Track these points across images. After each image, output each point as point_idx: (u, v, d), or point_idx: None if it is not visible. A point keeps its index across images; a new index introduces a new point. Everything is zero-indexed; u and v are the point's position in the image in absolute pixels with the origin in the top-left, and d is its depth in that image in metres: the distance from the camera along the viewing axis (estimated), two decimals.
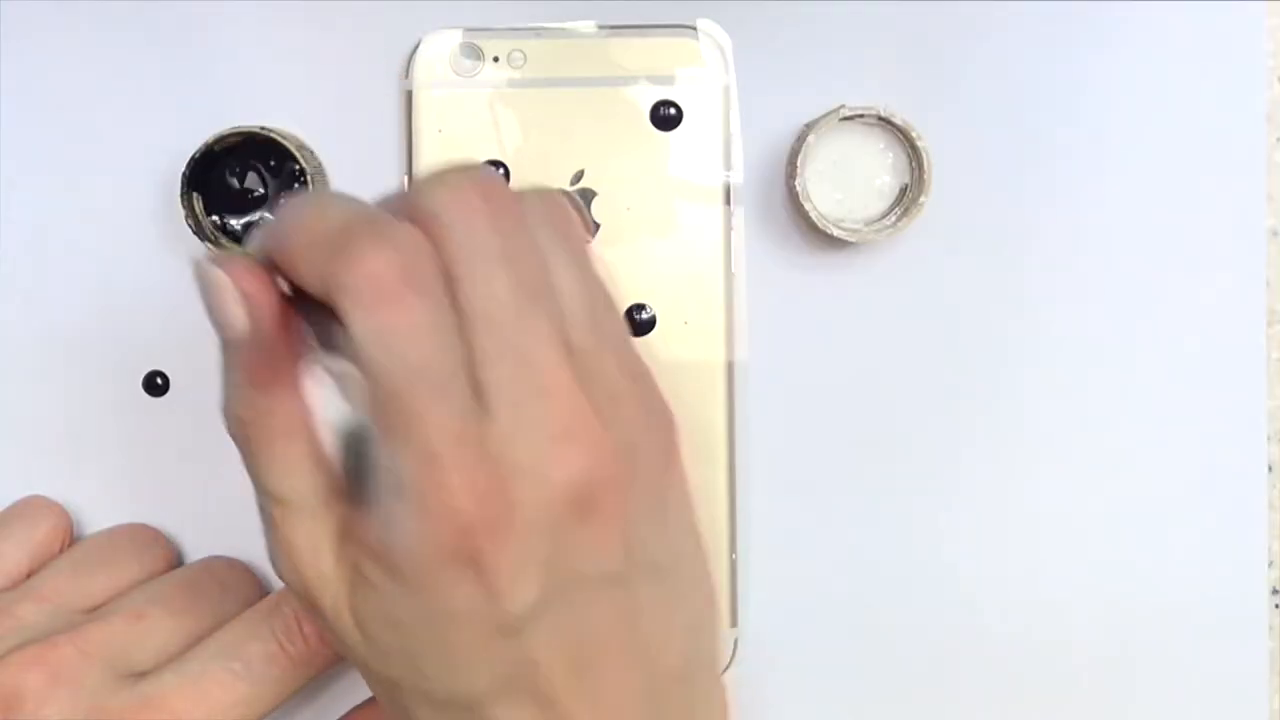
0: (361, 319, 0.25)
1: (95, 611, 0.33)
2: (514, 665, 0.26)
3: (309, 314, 0.27)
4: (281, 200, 0.36)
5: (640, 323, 0.37)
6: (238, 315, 0.27)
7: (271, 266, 0.27)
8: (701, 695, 0.30)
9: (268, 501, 0.28)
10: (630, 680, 0.28)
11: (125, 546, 0.36)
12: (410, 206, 0.26)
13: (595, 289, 0.28)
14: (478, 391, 0.25)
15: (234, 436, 0.28)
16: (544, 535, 0.26)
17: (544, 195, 0.29)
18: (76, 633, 0.31)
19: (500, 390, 0.25)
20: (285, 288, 0.27)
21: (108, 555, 0.35)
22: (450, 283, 0.26)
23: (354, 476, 0.26)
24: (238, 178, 0.36)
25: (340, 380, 0.27)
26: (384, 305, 0.25)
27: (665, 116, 0.37)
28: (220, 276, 0.27)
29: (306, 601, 0.28)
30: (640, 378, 0.28)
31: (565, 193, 0.30)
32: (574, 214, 0.29)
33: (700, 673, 0.30)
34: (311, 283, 0.26)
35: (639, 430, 0.27)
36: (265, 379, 0.27)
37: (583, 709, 0.27)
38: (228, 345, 0.27)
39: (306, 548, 0.27)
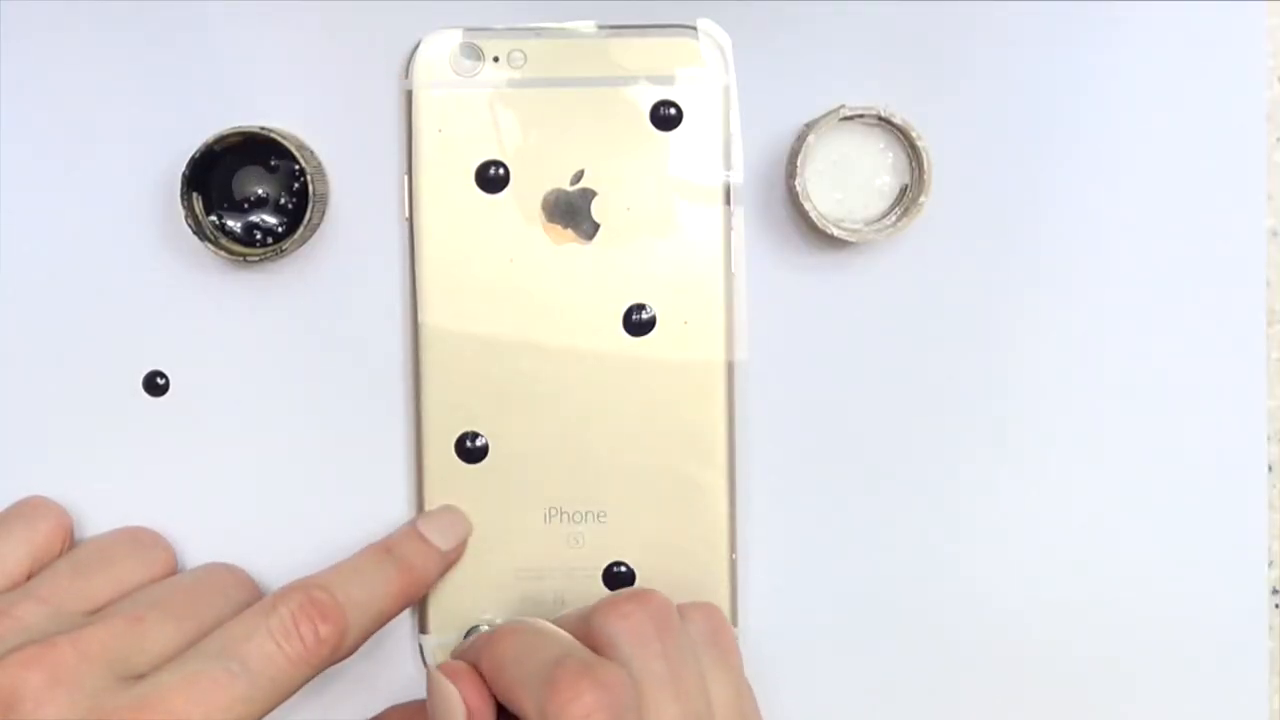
0: None
1: (95, 613, 0.33)
2: None
3: None
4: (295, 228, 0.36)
5: (640, 323, 0.37)
6: (460, 718, 0.31)
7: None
8: None
9: None
10: None
11: (125, 549, 0.36)
12: (590, 631, 0.31)
13: (747, 703, 0.33)
14: None
15: None
16: None
17: (707, 612, 0.34)
18: (76, 634, 0.31)
19: None
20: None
21: (108, 557, 0.35)
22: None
23: None
24: (238, 178, 0.36)
25: None
26: None
27: (665, 116, 0.37)
28: (449, 688, 0.31)
29: None
30: None
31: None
32: (730, 630, 0.34)
33: None
34: (529, 713, 0.29)
35: None
36: None
37: None
38: None
39: None
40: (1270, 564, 0.38)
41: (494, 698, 0.31)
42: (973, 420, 0.37)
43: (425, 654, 0.37)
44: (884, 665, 0.38)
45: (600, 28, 0.37)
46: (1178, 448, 0.37)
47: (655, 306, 0.37)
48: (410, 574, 0.35)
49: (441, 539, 0.36)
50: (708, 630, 0.33)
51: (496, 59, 0.37)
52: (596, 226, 0.37)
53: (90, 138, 0.37)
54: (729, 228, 0.37)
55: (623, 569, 0.37)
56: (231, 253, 0.36)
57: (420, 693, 0.37)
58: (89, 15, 0.37)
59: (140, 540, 0.36)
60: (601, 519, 0.37)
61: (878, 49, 0.37)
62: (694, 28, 0.37)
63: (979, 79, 0.37)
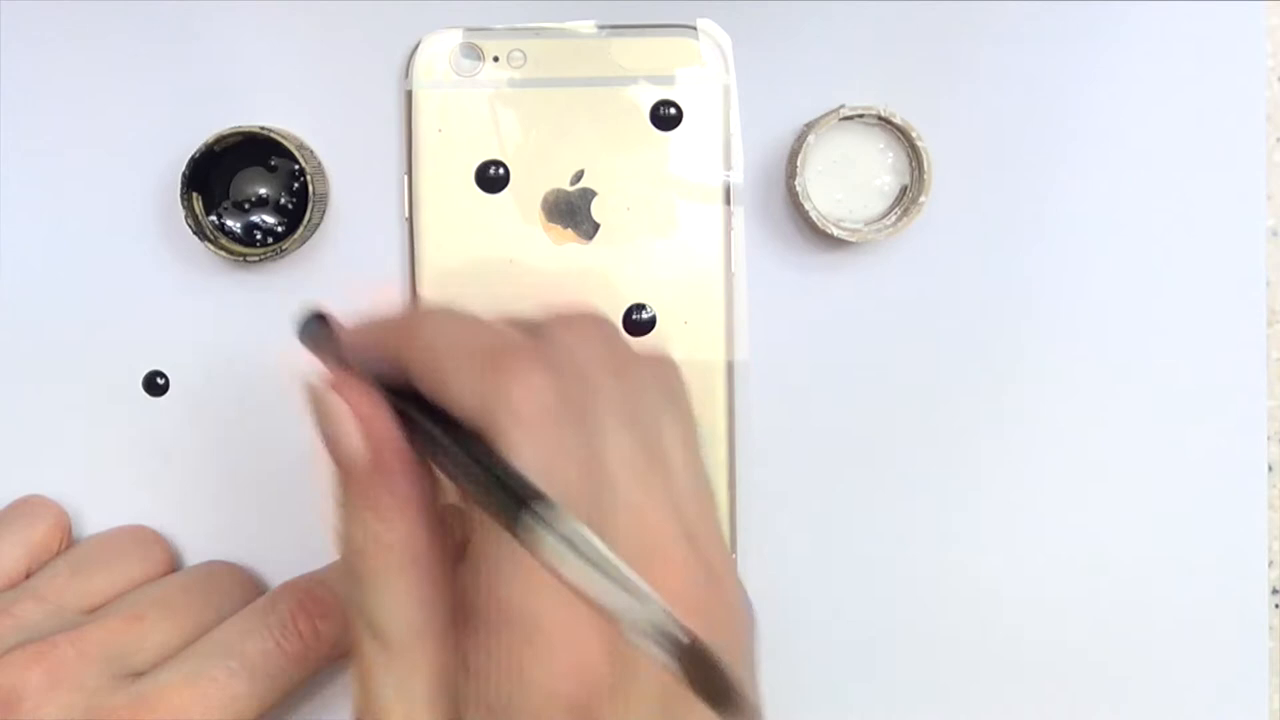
0: (521, 438, 0.24)
1: (94, 612, 0.33)
2: None
3: (421, 431, 0.26)
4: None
5: (640, 323, 0.37)
6: (354, 441, 0.26)
7: (375, 371, 0.26)
8: None
9: (367, 635, 0.26)
10: None
11: (124, 547, 0.36)
12: (535, 336, 0.26)
13: (698, 457, 0.28)
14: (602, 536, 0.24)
15: (346, 564, 0.27)
16: (656, 703, 0.25)
17: (659, 354, 0.29)
18: (75, 633, 0.31)
19: (620, 546, 0.24)
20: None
21: (107, 556, 0.35)
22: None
23: (688, 664, 0.23)
24: (238, 178, 0.36)
25: (569, 532, 0.23)
26: (548, 429, 0.24)
27: (665, 116, 0.37)
28: (337, 403, 0.26)
29: None
30: (729, 561, 0.28)
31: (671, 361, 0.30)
32: (682, 379, 0.29)
33: None
34: (465, 401, 0.25)
35: (735, 602, 0.27)
36: (379, 506, 0.26)
37: None
38: (340, 469, 0.27)
39: (398, 691, 0.26)
40: (1270, 564, 0.38)
41: (395, 406, 0.26)
42: (973, 420, 0.37)
43: None
44: (884, 665, 0.38)
45: (600, 28, 0.37)
46: (1178, 448, 0.37)
47: (655, 306, 0.37)
48: None
49: None
50: (660, 372, 0.28)
51: (496, 59, 0.37)
52: (596, 226, 0.37)
53: (90, 138, 0.37)
54: (729, 228, 0.37)
55: None
56: (231, 253, 0.36)
57: None
58: (89, 15, 0.37)
59: (139, 539, 0.36)
60: None
61: (878, 49, 0.37)
62: (694, 28, 0.37)
63: (979, 79, 0.37)
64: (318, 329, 0.30)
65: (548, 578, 0.23)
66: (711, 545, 0.27)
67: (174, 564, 0.37)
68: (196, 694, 0.30)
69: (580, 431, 0.25)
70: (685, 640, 0.22)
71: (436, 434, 0.25)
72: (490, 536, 0.24)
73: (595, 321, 0.27)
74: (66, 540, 0.36)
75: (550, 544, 0.22)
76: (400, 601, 0.26)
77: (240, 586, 0.36)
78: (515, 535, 0.23)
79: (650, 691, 0.24)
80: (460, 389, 0.25)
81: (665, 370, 0.29)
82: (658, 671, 0.23)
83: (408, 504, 0.26)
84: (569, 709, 0.24)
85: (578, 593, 0.22)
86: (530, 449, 0.24)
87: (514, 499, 0.23)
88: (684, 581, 0.25)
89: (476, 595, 0.25)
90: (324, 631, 0.32)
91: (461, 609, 0.26)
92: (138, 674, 0.31)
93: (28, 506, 0.36)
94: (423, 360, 0.26)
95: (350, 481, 0.26)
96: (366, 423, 0.26)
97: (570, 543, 0.22)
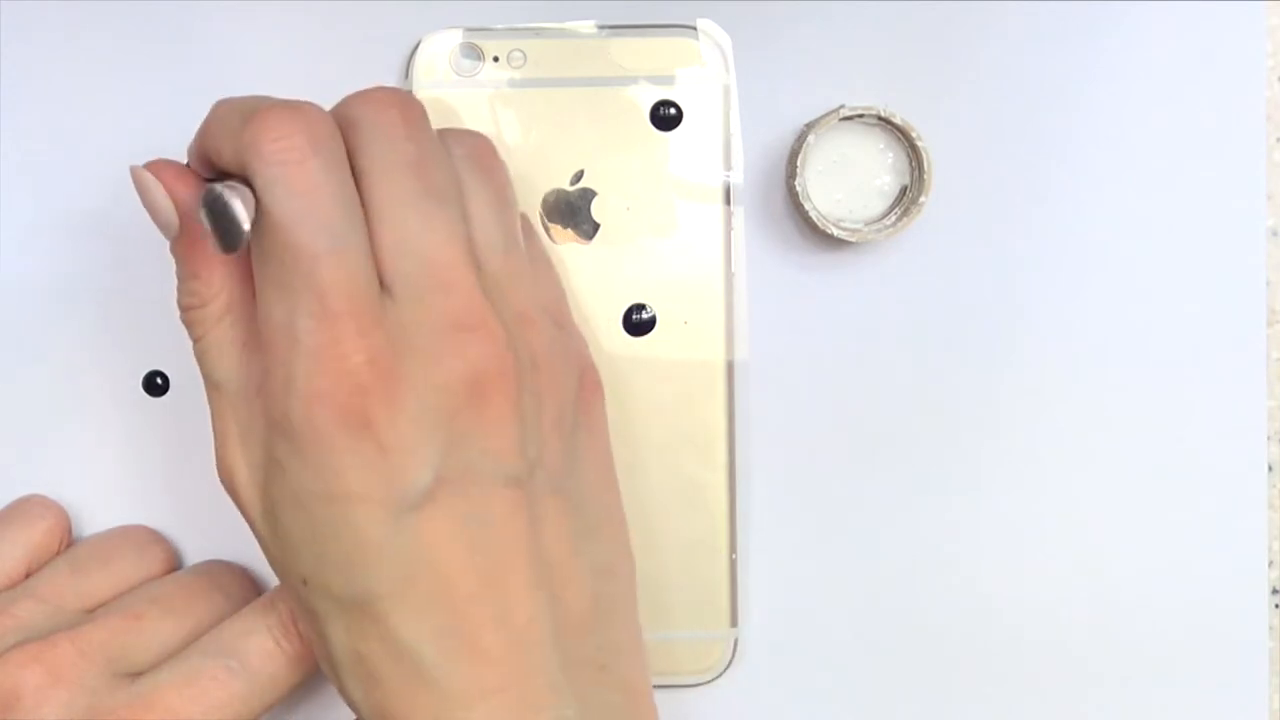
0: (267, 172, 0.26)
1: (94, 611, 0.33)
2: (412, 559, 0.27)
3: None
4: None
5: (640, 323, 0.37)
6: (167, 210, 0.29)
7: (202, 165, 0.30)
8: (615, 656, 0.30)
9: (209, 389, 0.30)
10: (536, 601, 0.28)
11: (124, 547, 0.36)
12: (332, 113, 0.29)
13: (509, 226, 0.30)
14: (382, 280, 0.27)
15: (187, 325, 0.30)
16: (436, 416, 0.26)
17: (474, 136, 0.31)
18: (75, 632, 0.31)
19: (402, 281, 0.27)
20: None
21: (106, 555, 0.35)
22: (359, 176, 0.27)
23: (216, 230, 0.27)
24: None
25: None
26: (291, 163, 0.26)
27: (665, 116, 0.37)
28: (148, 177, 0.29)
29: (232, 495, 0.30)
30: (564, 326, 0.30)
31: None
32: (502, 163, 0.31)
33: (614, 630, 0.30)
34: (226, 154, 0.28)
35: (543, 350, 0.29)
36: (197, 266, 0.30)
37: (488, 625, 0.27)
38: (170, 243, 0.30)
39: (235, 434, 0.29)
40: (1270, 564, 0.38)
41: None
42: (973, 420, 0.37)
43: None
44: (884, 665, 0.38)
45: (600, 28, 0.37)
46: (1178, 447, 0.37)
47: (655, 306, 0.37)
48: None
49: None
50: (472, 146, 0.31)
51: (496, 59, 0.37)
52: (596, 226, 0.37)
53: (90, 137, 0.37)
54: (729, 228, 0.37)
55: None
56: None
57: None
58: (88, 14, 0.37)
59: (138, 538, 0.36)
60: None
61: (878, 49, 0.37)
62: (694, 28, 0.37)
63: (979, 79, 0.37)
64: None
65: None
66: (531, 298, 0.29)
67: (173, 563, 0.37)
68: (196, 693, 0.30)
69: (338, 167, 0.27)
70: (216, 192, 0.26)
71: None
72: (262, 269, 0.28)
73: (399, 95, 0.29)
74: (66, 540, 0.36)
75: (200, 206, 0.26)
76: (224, 351, 0.30)
77: (240, 586, 0.36)
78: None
79: (427, 401, 0.26)
80: (223, 145, 0.28)
81: (477, 146, 0.31)
82: (431, 373, 0.26)
83: (217, 261, 0.29)
84: (339, 413, 0.26)
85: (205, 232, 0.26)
86: (276, 182, 0.27)
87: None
88: (468, 310, 0.27)
89: (259, 319, 0.28)
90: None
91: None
92: (137, 673, 0.31)
93: (28, 506, 0.36)
94: (203, 133, 0.29)
95: (174, 249, 0.30)
96: (173, 192, 0.29)
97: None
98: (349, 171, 0.28)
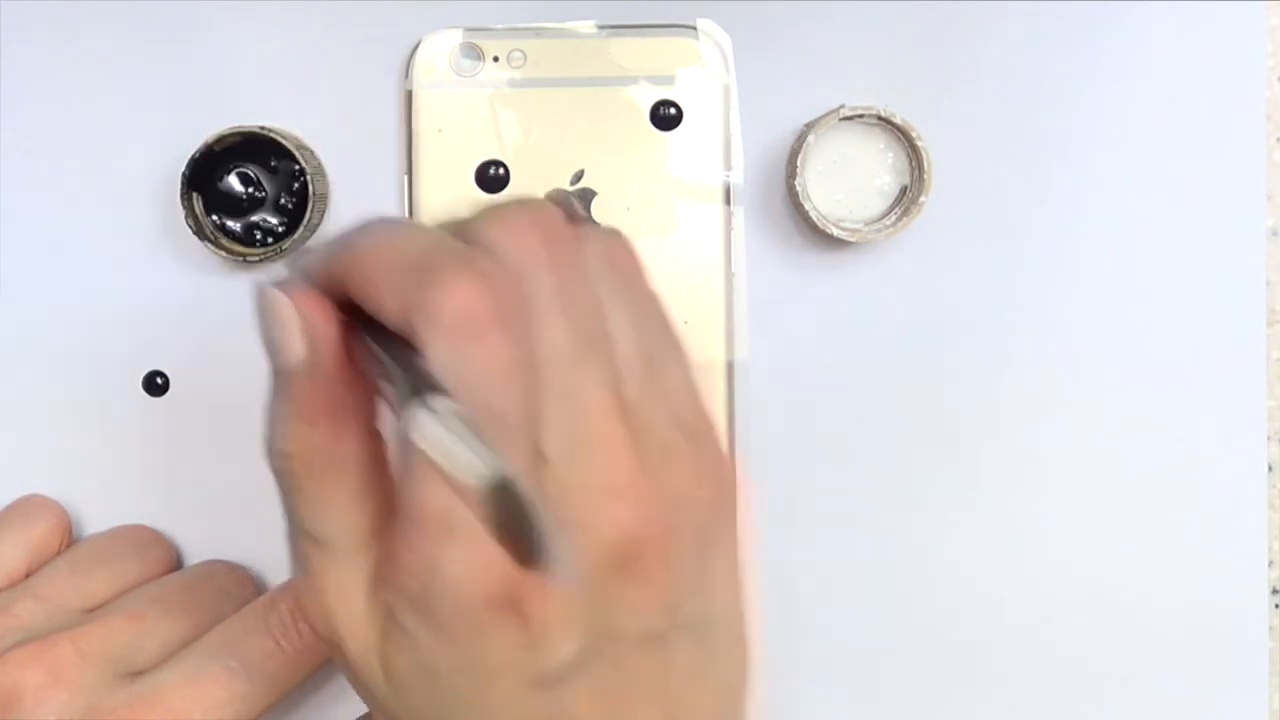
0: (447, 350, 0.24)
1: (94, 611, 0.33)
2: None
3: (363, 345, 0.26)
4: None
5: None
6: (297, 343, 0.26)
7: (330, 293, 0.26)
8: None
9: (303, 539, 0.27)
10: None
11: (124, 547, 0.36)
12: (469, 240, 0.26)
13: (653, 337, 0.27)
14: (536, 437, 0.24)
15: (275, 470, 0.27)
16: (585, 587, 0.25)
17: (607, 235, 0.28)
18: (75, 632, 0.31)
19: (554, 438, 0.24)
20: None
21: (107, 555, 0.35)
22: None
23: (511, 529, 0.24)
24: (238, 178, 0.36)
25: (449, 420, 0.24)
26: (472, 338, 0.24)
27: (665, 116, 0.37)
28: (283, 302, 0.26)
29: (333, 646, 0.27)
30: (697, 433, 0.27)
31: (614, 233, 0.29)
32: (636, 255, 0.28)
33: None
34: (391, 309, 0.25)
35: (688, 485, 0.26)
36: (317, 413, 0.26)
37: None
38: (279, 374, 0.26)
39: (338, 590, 0.26)
40: (1270, 564, 0.38)
41: (344, 317, 0.26)
42: (972, 420, 0.37)
43: None
44: (885, 665, 0.37)
45: (600, 28, 0.37)
46: (1178, 448, 0.37)
47: None
48: None
49: None
50: (605, 253, 0.28)
51: (496, 59, 0.37)
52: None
53: (90, 138, 0.37)
54: (729, 228, 0.37)
55: None
56: (231, 253, 0.36)
57: None
58: (89, 16, 0.37)
59: (139, 538, 0.36)
60: None
61: (878, 49, 0.37)
62: (694, 28, 0.37)
63: (979, 79, 0.37)
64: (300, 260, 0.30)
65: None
66: (672, 417, 0.27)
67: (174, 564, 0.37)
68: (196, 693, 0.30)
69: (509, 333, 0.24)
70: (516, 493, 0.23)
71: (366, 340, 0.26)
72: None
73: (530, 213, 0.27)
74: (67, 540, 0.36)
75: (424, 430, 0.23)
76: (333, 508, 0.26)
77: (240, 586, 0.36)
78: (408, 428, 0.23)
79: (579, 584, 0.25)
80: (387, 297, 0.25)
81: (613, 249, 0.28)
82: (581, 544, 0.24)
83: (340, 412, 0.26)
84: (489, 598, 0.24)
85: (443, 474, 0.23)
86: (450, 357, 0.24)
87: (411, 392, 0.23)
88: (619, 467, 0.25)
89: (400, 493, 0.25)
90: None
91: (392, 506, 0.26)
92: (137, 673, 0.31)
93: (28, 506, 0.36)
94: (356, 270, 0.26)
95: (287, 385, 0.26)
96: (309, 326, 0.26)
97: (443, 424, 0.23)
98: (524, 328, 0.25)
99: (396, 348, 0.25)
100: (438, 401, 0.23)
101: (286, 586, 0.33)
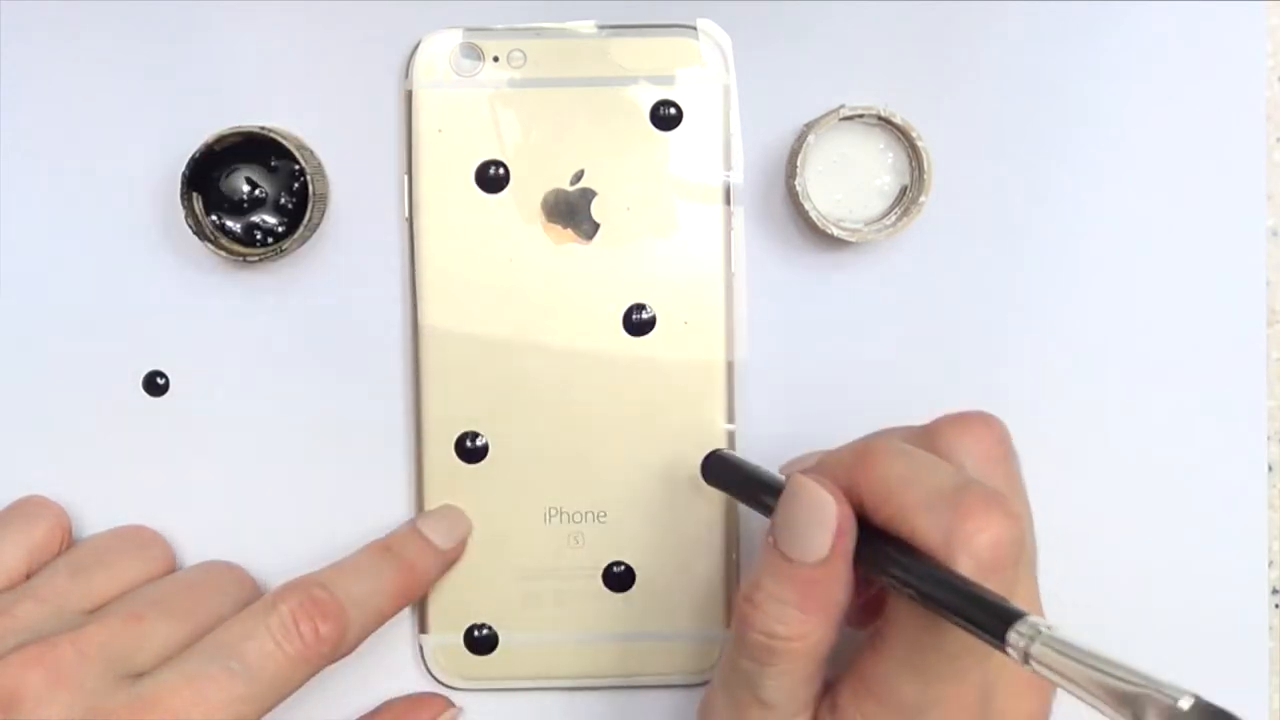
0: (981, 578, 0.27)
1: (94, 613, 0.33)
2: None
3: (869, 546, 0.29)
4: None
5: (640, 323, 0.37)
6: (824, 543, 0.28)
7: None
8: None
9: (753, 701, 0.30)
10: None
11: (124, 547, 0.36)
12: (935, 448, 0.30)
13: (1012, 530, 0.29)
14: None
15: (747, 643, 0.29)
16: None
17: (984, 426, 0.31)
18: (76, 633, 0.31)
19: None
20: None
21: (107, 556, 0.35)
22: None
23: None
24: (238, 177, 0.36)
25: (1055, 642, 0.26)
26: (1003, 570, 0.27)
27: (665, 116, 0.37)
28: (828, 503, 0.29)
29: None
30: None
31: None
32: (1013, 457, 0.32)
33: None
34: (930, 535, 0.27)
35: None
36: (817, 607, 0.29)
37: None
38: (790, 562, 0.29)
39: None
40: (1270, 564, 0.38)
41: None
42: None
43: (425, 654, 0.37)
44: None
45: (600, 28, 0.37)
46: (1178, 448, 0.37)
47: (655, 306, 0.37)
48: (410, 573, 0.35)
49: (441, 538, 0.36)
50: (985, 456, 0.31)
51: (496, 59, 0.37)
52: (596, 226, 0.37)
53: (90, 138, 0.37)
54: (729, 228, 0.37)
55: (622, 568, 0.37)
56: (231, 253, 0.36)
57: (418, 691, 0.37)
58: (89, 16, 0.37)
59: (139, 539, 0.36)
60: (601, 519, 0.37)
61: (878, 49, 0.37)
62: (694, 28, 0.37)
63: (979, 79, 0.37)
64: (717, 464, 0.35)
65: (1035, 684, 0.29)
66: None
67: (173, 564, 0.37)
68: (196, 694, 0.30)
69: (1016, 570, 0.28)
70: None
71: (892, 553, 0.28)
72: (912, 645, 0.28)
73: (988, 423, 0.31)
74: (67, 541, 0.36)
75: (1048, 654, 0.25)
76: (796, 683, 0.29)
77: (240, 586, 0.36)
78: (1002, 649, 0.26)
79: None
80: (926, 526, 0.27)
81: (987, 442, 0.31)
82: None
83: (834, 607, 0.29)
84: None
85: (1083, 688, 0.25)
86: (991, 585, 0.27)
87: (997, 618, 0.26)
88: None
89: (881, 681, 0.29)
90: (325, 633, 0.32)
91: (863, 679, 0.29)
92: (138, 674, 0.31)
93: (28, 506, 0.36)
94: (881, 492, 0.28)
95: (794, 573, 0.29)
96: (842, 531, 0.28)
97: (1064, 650, 0.25)
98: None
99: (910, 555, 0.28)
100: (1039, 627, 0.26)
101: (287, 587, 0.33)
